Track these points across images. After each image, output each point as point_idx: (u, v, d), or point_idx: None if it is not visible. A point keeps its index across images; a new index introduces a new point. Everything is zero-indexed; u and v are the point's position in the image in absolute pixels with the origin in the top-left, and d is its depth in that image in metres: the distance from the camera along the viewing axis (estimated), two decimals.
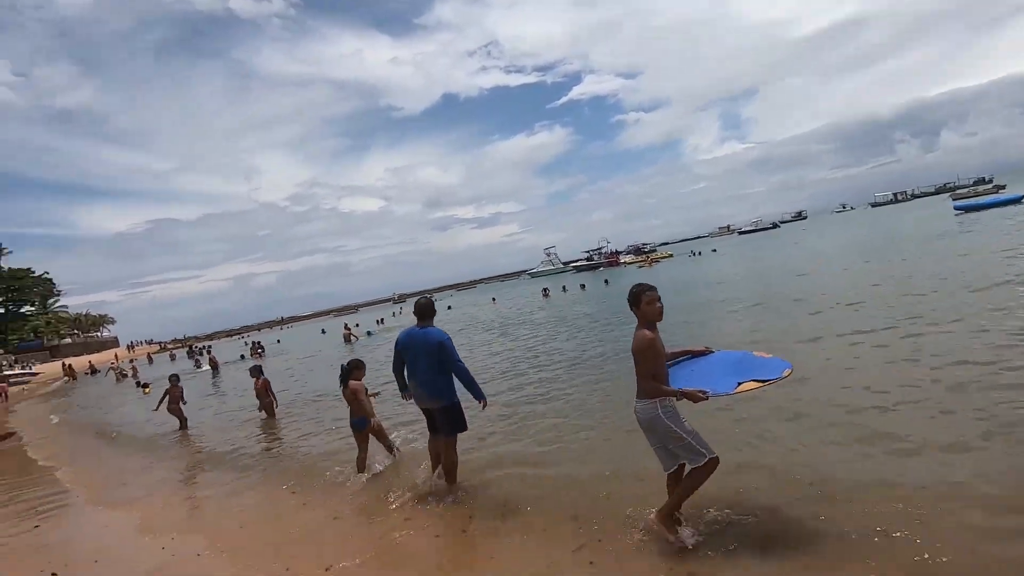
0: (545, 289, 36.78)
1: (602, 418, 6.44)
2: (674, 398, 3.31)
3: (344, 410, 10.19)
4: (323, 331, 44.38)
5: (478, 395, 4.78)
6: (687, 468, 3.35)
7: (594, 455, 5.25)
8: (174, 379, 10.78)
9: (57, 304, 79.94)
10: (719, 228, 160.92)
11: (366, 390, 5.95)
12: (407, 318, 42.87)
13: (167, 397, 10.43)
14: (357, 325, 36.86)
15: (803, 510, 3.53)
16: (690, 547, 3.26)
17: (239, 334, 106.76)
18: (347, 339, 29.69)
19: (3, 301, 72.09)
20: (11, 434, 13.92)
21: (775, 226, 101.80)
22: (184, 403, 10.86)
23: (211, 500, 6.31)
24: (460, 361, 4.78)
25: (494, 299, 41.61)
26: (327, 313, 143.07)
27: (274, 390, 10.64)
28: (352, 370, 5.89)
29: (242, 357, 30.99)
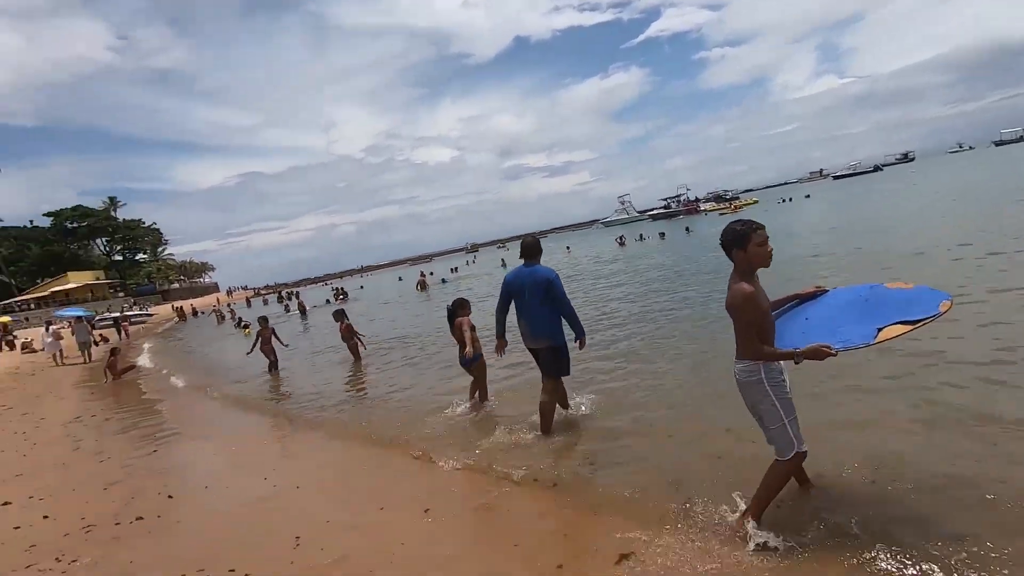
0: (620, 237, 35.64)
1: (699, 375, 5.94)
2: (782, 362, 2.73)
3: (431, 350, 10.53)
4: (400, 279, 45.88)
5: (580, 332, 4.77)
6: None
7: (692, 415, 4.81)
8: (263, 321, 11.28)
9: (165, 252, 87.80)
10: (811, 173, 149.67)
11: (473, 327, 5.87)
12: (480, 267, 43.31)
13: (259, 339, 10.94)
14: (431, 273, 37.70)
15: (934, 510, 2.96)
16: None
17: (323, 281, 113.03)
18: (421, 286, 30.44)
19: (121, 249, 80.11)
20: (133, 366, 15.39)
21: (877, 169, 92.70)
22: (286, 344, 11.39)
23: (302, 440, 6.50)
24: (566, 298, 4.72)
25: (568, 248, 40.89)
26: (403, 262, 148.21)
27: (359, 333, 10.94)
28: (457, 308, 5.92)
29: (328, 301, 32.62)
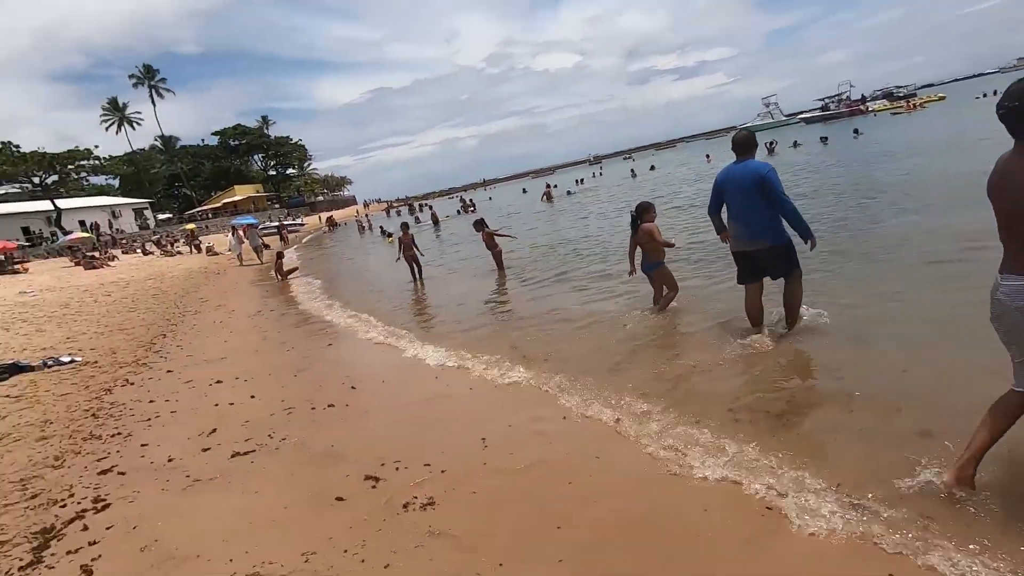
0: (771, 143, 31.47)
1: (929, 308, 4.84)
2: None
3: (576, 259, 10.20)
4: (524, 191, 45.67)
5: (805, 233, 4.10)
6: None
7: (916, 350, 3.94)
8: (404, 227, 11.48)
9: (310, 167, 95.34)
10: (1017, 60, 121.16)
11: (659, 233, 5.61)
12: (607, 179, 41.53)
13: (401, 245, 11.23)
14: (555, 186, 36.76)
15: None
16: None
17: (448, 194, 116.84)
18: (547, 198, 29.94)
19: (274, 164, 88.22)
20: (295, 268, 17.04)
21: None
22: (422, 254, 11.60)
23: (455, 348, 6.54)
24: (785, 194, 4.06)
25: (708, 156, 37.21)
26: (525, 175, 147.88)
27: (503, 234, 10.84)
28: (643, 212, 5.66)
29: (458, 212, 33.47)
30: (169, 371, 6.45)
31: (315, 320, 9.20)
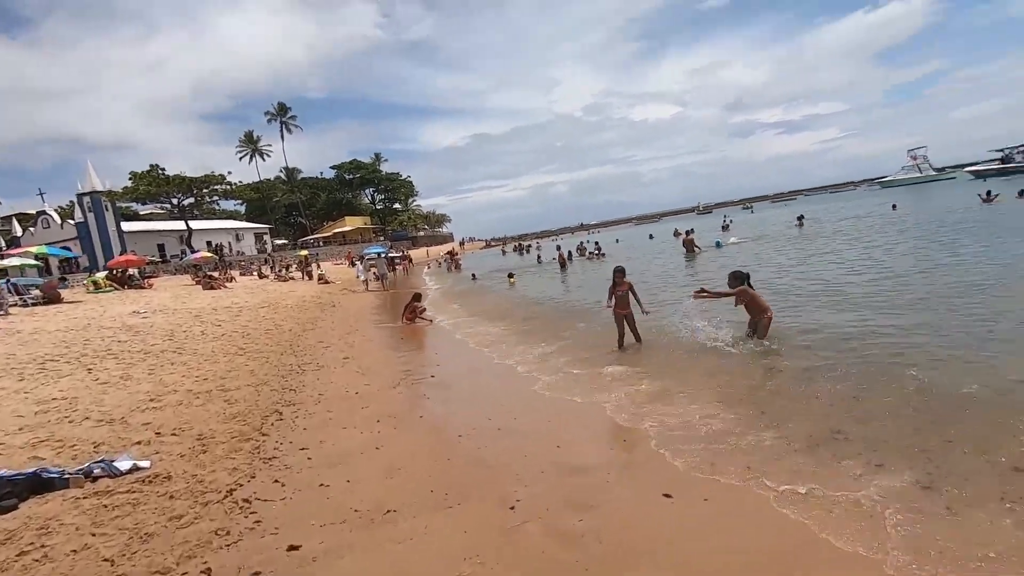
0: (987, 194, 25.45)
1: None
2: None
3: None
4: (651, 236, 41.54)
5: None
6: None
7: None
8: (619, 272, 7.48)
9: (414, 203, 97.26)
10: None
11: None
12: (756, 227, 36.52)
13: (613, 296, 7.49)
14: (692, 231, 31.72)
15: None
16: None
17: (542, 237, 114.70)
18: (689, 248, 25.00)
19: (383, 199, 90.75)
20: (424, 309, 14.21)
21: None
22: (644, 311, 7.87)
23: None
24: None
25: (895, 206, 31.23)
26: (625, 221, 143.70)
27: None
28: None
29: (574, 254, 29.99)
30: (294, 548, 3.11)
31: (498, 420, 5.73)
